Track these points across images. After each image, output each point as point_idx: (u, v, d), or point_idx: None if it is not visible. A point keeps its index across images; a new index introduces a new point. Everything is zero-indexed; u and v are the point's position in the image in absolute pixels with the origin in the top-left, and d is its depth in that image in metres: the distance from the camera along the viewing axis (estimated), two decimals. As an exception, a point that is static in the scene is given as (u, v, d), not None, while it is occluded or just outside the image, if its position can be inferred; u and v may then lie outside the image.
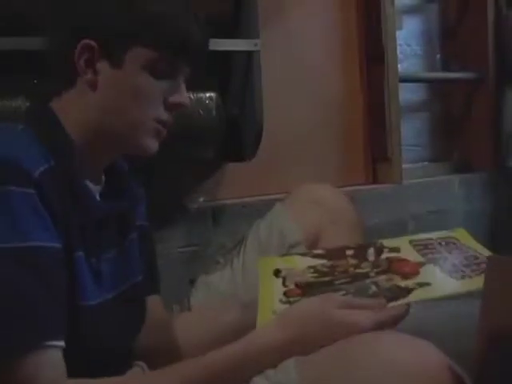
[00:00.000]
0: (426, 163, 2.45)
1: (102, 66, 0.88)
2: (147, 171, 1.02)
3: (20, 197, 0.78)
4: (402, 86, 2.16)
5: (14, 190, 0.77)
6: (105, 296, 0.90)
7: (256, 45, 1.61)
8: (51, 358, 0.77)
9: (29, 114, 0.93)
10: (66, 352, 0.79)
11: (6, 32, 1.34)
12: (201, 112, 1.57)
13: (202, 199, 1.76)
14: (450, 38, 2.50)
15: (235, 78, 1.66)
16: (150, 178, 0.97)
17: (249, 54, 1.62)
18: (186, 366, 0.84)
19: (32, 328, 0.76)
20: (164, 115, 0.93)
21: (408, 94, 2.36)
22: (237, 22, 1.62)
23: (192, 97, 1.53)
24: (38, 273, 0.78)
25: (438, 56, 2.51)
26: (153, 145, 0.93)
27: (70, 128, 0.89)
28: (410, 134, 2.38)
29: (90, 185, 0.91)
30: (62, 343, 0.78)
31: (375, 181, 2.16)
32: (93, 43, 0.88)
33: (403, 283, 0.92)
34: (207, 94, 1.59)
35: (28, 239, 0.77)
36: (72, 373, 0.80)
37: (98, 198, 0.93)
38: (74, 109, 0.90)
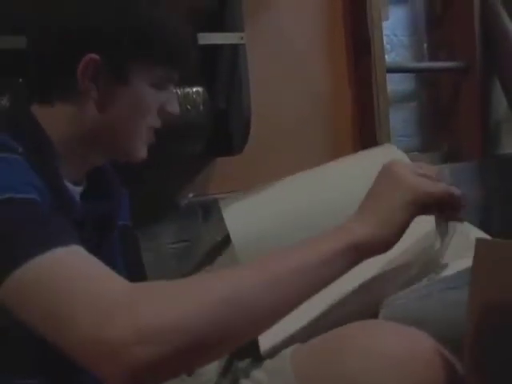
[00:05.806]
0: (415, 153, 2.45)
1: (107, 80, 0.86)
2: (136, 168, 1.01)
3: (13, 158, 0.77)
4: (389, 76, 2.15)
5: (5, 155, 0.77)
6: None
7: (241, 38, 1.60)
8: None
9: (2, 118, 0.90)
10: (47, 358, 0.77)
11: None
12: (188, 107, 1.56)
13: (191, 195, 1.75)
14: (437, 28, 2.50)
15: (221, 72, 1.65)
16: (138, 174, 0.96)
17: (234, 48, 1.61)
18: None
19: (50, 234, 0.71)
20: (158, 123, 0.93)
21: (396, 84, 2.36)
22: (222, 15, 1.61)
23: (179, 92, 1.53)
24: (40, 212, 0.74)
25: (425, 46, 2.51)
26: (144, 151, 0.94)
27: (53, 135, 0.86)
28: (399, 124, 2.38)
29: (70, 186, 0.89)
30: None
31: (365, 172, 2.15)
32: (97, 58, 0.84)
33: None
34: (194, 89, 1.58)
35: (23, 192, 0.74)
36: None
37: (77, 199, 0.90)
38: (64, 119, 0.87)
